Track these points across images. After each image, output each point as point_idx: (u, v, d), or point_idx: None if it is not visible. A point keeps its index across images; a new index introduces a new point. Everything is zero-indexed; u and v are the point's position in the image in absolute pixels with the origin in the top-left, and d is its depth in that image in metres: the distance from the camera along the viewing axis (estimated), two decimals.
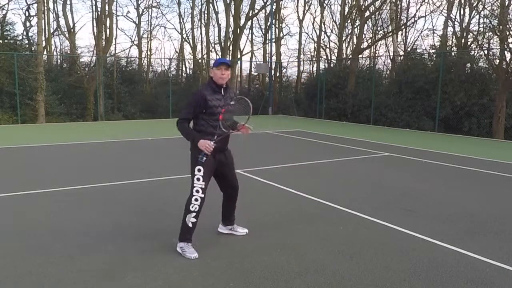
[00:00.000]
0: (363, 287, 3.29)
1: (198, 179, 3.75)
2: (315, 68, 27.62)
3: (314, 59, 29.07)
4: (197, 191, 3.75)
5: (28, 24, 24.31)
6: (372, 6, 21.49)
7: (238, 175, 4.15)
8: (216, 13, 32.48)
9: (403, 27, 23.25)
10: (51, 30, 25.57)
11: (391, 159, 9.23)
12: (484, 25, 17.95)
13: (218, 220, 4.34)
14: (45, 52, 22.47)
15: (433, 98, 16.01)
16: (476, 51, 17.13)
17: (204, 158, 3.72)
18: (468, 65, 16.50)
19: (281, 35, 29.80)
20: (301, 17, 29.32)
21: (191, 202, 3.75)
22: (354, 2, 23.56)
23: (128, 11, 47.77)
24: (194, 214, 3.76)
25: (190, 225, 3.78)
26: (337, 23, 25.99)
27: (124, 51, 32.04)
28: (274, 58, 26.05)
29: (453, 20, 19.93)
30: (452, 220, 4.98)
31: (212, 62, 28.38)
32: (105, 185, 6.41)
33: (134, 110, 21.88)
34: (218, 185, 4.08)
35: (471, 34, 18.53)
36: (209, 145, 3.64)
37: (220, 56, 27.24)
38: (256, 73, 28.19)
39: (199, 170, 3.75)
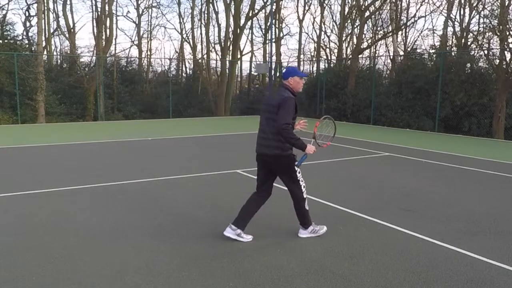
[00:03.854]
0: (363, 287, 3.30)
1: (302, 180, 4.25)
2: (315, 68, 27.60)
3: (314, 59, 29.08)
4: (304, 186, 4.26)
5: (28, 24, 24.35)
6: (372, 6, 21.48)
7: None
8: (216, 13, 32.43)
9: (403, 27, 23.25)
10: (51, 30, 25.62)
11: (391, 159, 9.23)
12: (484, 25, 17.97)
13: (218, 221, 4.33)
14: (45, 52, 22.47)
15: (433, 98, 16.01)
16: (476, 51, 17.12)
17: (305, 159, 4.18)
18: (468, 65, 16.48)
19: (281, 35, 29.85)
20: (301, 17, 29.38)
21: (302, 192, 4.25)
22: (354, 2, 23.53)
23: (128, 11, 47.83)
24: (306, 201, 4.29)
25: (307, 208, 4.30)
26: (337, 23, 25.99)
27: (124, 51, 32.15)
28: (274, 58, 26.05)
29: (453, 20, 19.95)
30: (452, 220, 4.99)
31: (213, 62, 27.80)
32: (105, 185, 6.41)
33: (134, 110, 21.88)
34: (260, 183, 4.28)
35: (471, 34, 18.54)
36: (315, 150, 4.12)
37: (220, 57, 27.26)
38: (256, 73, 28.19)
39: (299, 172, 4.23)
